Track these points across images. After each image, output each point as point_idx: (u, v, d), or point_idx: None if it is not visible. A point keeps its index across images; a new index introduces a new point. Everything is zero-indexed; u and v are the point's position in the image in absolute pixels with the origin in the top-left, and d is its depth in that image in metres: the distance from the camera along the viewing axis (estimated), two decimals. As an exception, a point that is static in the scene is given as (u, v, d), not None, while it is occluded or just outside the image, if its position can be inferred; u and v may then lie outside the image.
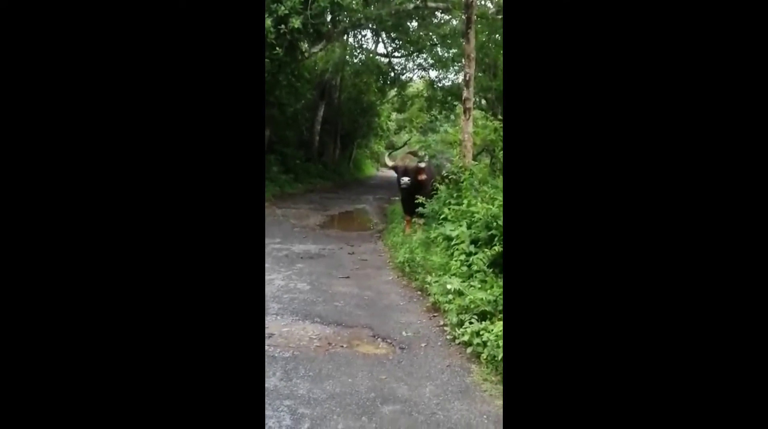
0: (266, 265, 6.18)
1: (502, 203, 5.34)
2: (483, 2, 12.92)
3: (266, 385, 3.16)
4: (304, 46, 13.02)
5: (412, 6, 12.93)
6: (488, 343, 3.55)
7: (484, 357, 3.52)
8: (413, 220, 7.75)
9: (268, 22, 10.46)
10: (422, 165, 7.59)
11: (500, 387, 3.16)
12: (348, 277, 5.93)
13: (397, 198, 8.39)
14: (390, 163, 8.14)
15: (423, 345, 3.95)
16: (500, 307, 3.96)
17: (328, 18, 12.68)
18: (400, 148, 25.89)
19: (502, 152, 9.25)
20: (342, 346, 3.88)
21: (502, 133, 9.38)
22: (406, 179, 7.48)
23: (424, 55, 18.92)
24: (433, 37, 16.67)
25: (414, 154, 8.34)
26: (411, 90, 23.12)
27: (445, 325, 4.28)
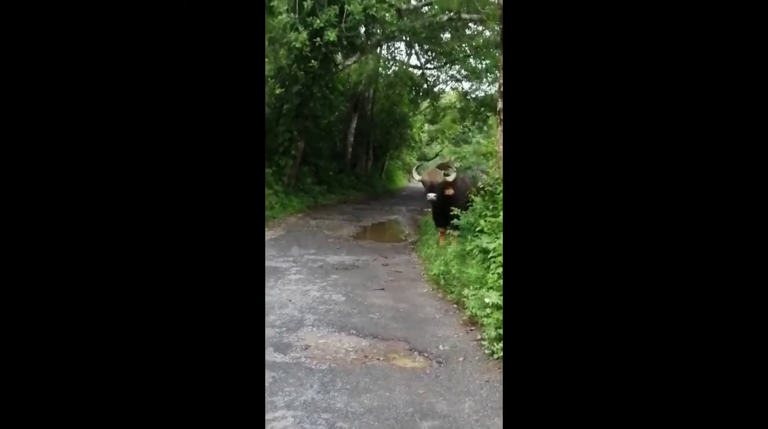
0: (301, 277, 6.22)
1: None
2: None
3: (303, 397, 3.15)
4: (339, 58, 13.13)
5: (445, 18, 12.95)
6: (528, 359, 3.47)
7: (524, 373, 3.44)
8: (447, 232, 7.69)
9: (304, 35, 10.59)
10: (450, 179, 7.51)
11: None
12: (383, 289, 5.91)
13: (429, 209, 8.34)
14: (418, 177, 8.10)
15: (461, 359, 3.89)
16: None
17: (363, 30, 12.77)
18: (432, 159, 25.81)
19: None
20: (378, 359, 3.85)
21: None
22: (431, 195, 7.43)
23: (457, 67, 18.94)
24: (467, 48, 16.66)
25: (445, 166, 8.26)
26: (444, 101, 23.13)
27: (482, 339, 4.21)
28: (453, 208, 7.02)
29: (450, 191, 7.45)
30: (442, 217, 7.53)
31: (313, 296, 5.40)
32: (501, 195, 6.40)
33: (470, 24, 14.53)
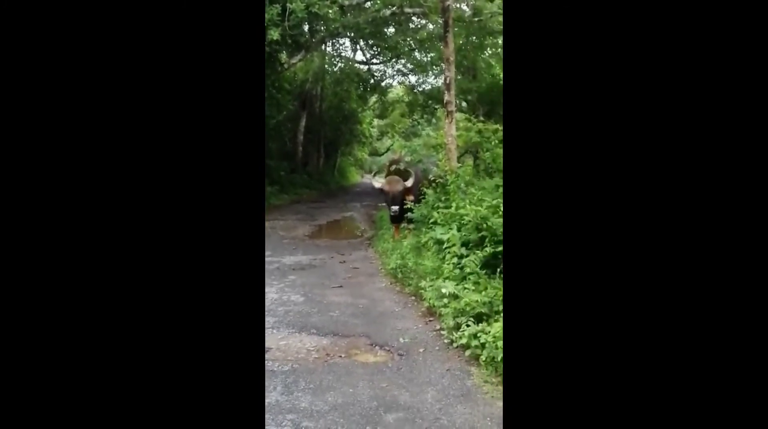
0: (258, 279, 6.15)
1: (490, 204, 5.37)
2: (459, 5, 13.01)
3: (267, 400, 3.14)
4: (283, 57, 13.02)
5: (389, 13, 12.99)
6: (486, 345, 3.56)
7: (483, 359, 3.53)
8: (402, 225, 7.77)
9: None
10: (408, 185, 7.62)
11: (501, 388, 3.17)
12: (341, 286, 5.92)
13: (384, 204, 8.40)
14: (378, 186, 8.16)
15: (421, 350, 3.95)
16: (496, 309, 3.98)
17: (306, 28, 12.68)
18: (384, 153, 25.93)
19: (487, 153, 9.29)
20: (340, 357, 3.87)
21: (485, 135, 9.43)
22: (395, 208, 7.53)
23: (403, 61, 19.04)
24: (411, 42, 16.76)
25: (396, 161, 8.34)
26: (392, 95, 23.25)
27: (441, 329, 4.29)
28: (406, 200, 7.12)
29: (411, 197, 7.54)
30: (399, 218, 7.63)
31: (271, 298, 5.36)
32: (452, 186, 6.52)
33: (413, 18, 14.61)
